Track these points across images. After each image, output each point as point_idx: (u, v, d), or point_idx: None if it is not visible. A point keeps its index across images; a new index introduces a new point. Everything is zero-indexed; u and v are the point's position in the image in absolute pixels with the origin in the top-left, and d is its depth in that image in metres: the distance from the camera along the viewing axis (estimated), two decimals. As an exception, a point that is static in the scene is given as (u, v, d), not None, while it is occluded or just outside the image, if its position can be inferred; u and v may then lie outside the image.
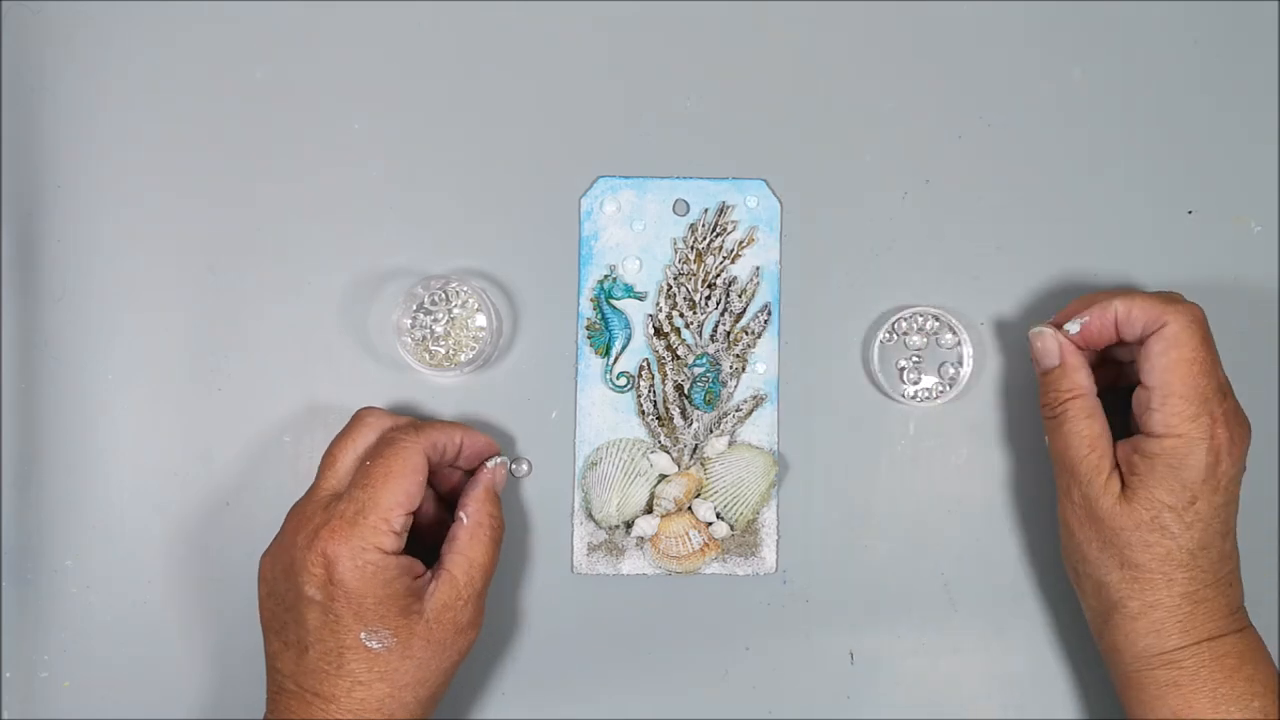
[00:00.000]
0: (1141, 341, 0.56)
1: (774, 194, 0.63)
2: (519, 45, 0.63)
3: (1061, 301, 0.62)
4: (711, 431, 0.63)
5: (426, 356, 0.62)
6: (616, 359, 0.63)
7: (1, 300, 0.62)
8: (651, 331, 0.63)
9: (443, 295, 0.61)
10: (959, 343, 0.62)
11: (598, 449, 0.63)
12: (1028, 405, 0.63)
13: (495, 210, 0.63)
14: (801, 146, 0.63)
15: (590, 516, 0.62)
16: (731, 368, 0.63)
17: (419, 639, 0.55)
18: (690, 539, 0.62)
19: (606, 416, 0.63)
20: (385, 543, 0.54)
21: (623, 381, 0.63)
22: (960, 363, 0.62)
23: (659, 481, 0.62)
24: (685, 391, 0.63)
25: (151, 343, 0.62)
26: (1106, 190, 0.64)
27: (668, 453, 0.62)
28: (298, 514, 0.56)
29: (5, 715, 0.62)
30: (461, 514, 0.58)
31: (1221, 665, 0.55)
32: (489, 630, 0.62)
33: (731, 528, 0.62)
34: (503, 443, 0.63)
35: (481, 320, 0.62)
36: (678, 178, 0.63)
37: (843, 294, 0.63)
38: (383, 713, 0.54)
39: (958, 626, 0.63)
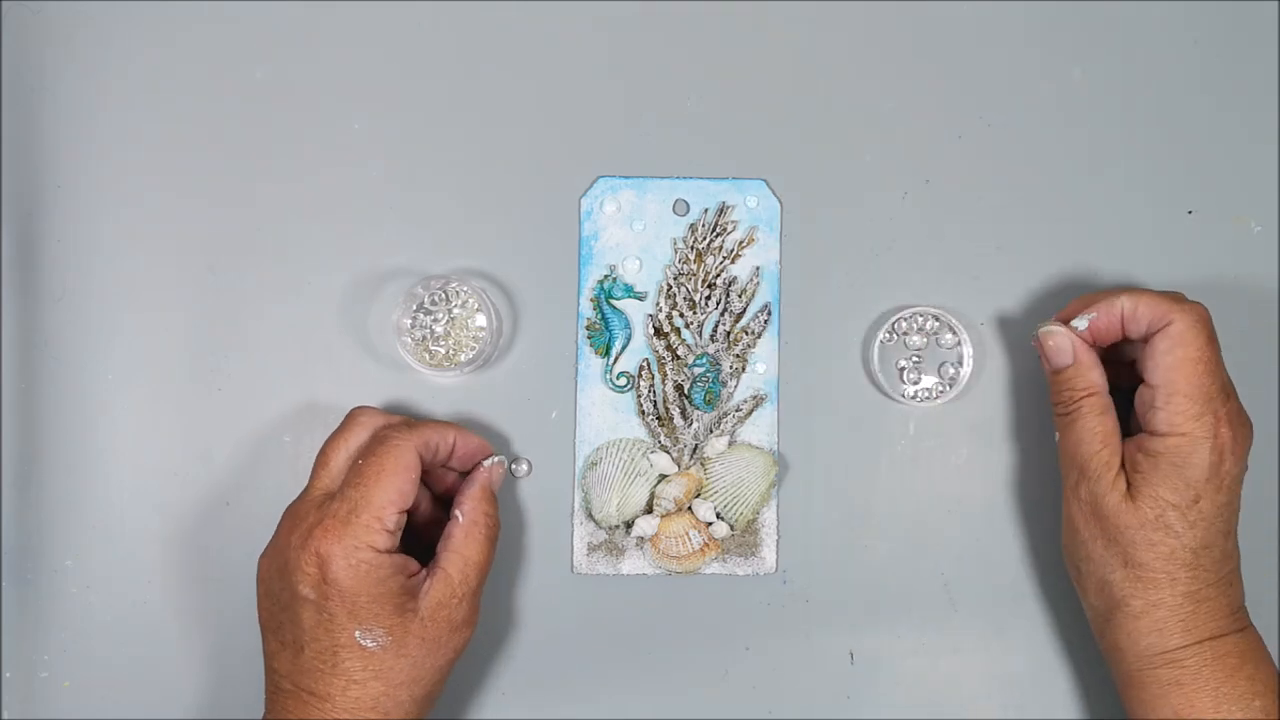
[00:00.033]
0: (1146, 339, 0.56)
1: (774, 194, 0.63)
2: (519, 45, 0.63)
3: (1061, 301, 0.62)
4: (711, 431, 0.63)
5: (426, 356, 0.62)
6: (616, 359, 0.63)
7: (1, 300, 0.62)
8: (651, 331, 0.63)
9: (443, 295, 0.61)
10: (959, 343, 0.62)
11: (598, 449, 0.62)
12: (1027, 405, 0.63)
13: (495, 210, 0.63)
14: (801, 146, 0.63)
15: (590, 516, 0.62)
16: (731, 368, 0.63)
17: (414, 637, 0.55)
18: (690, 539, 0.62)
19: (606, 416, 0.63)
20: (378, 541, 0.54)
21: (623, 381, 0.63)
22: (960, 363, 0.62)
23: (659, 481, 0.62)
24: (685, 391, 0.63)
25: (151, 343, 0.62)
26: (1106, 190, 0.64)
27: (668, 453, 0.62)
28: (292, 514, 0.56)
29: (5, 715, 0.62)
30: (457, 512, 0.58)
31: (1223, 664, 0.55)
32: (489, 630, 0.62)
33: (731, 528, 0.62)
34: (502, 443, 0.63)
35: (481, 320, 0.62)
36: (678, 178, 0.63)
37: (843, 294, 0.63)
38: (378, 711, 0.54)
39: (958, 626, 0.63)
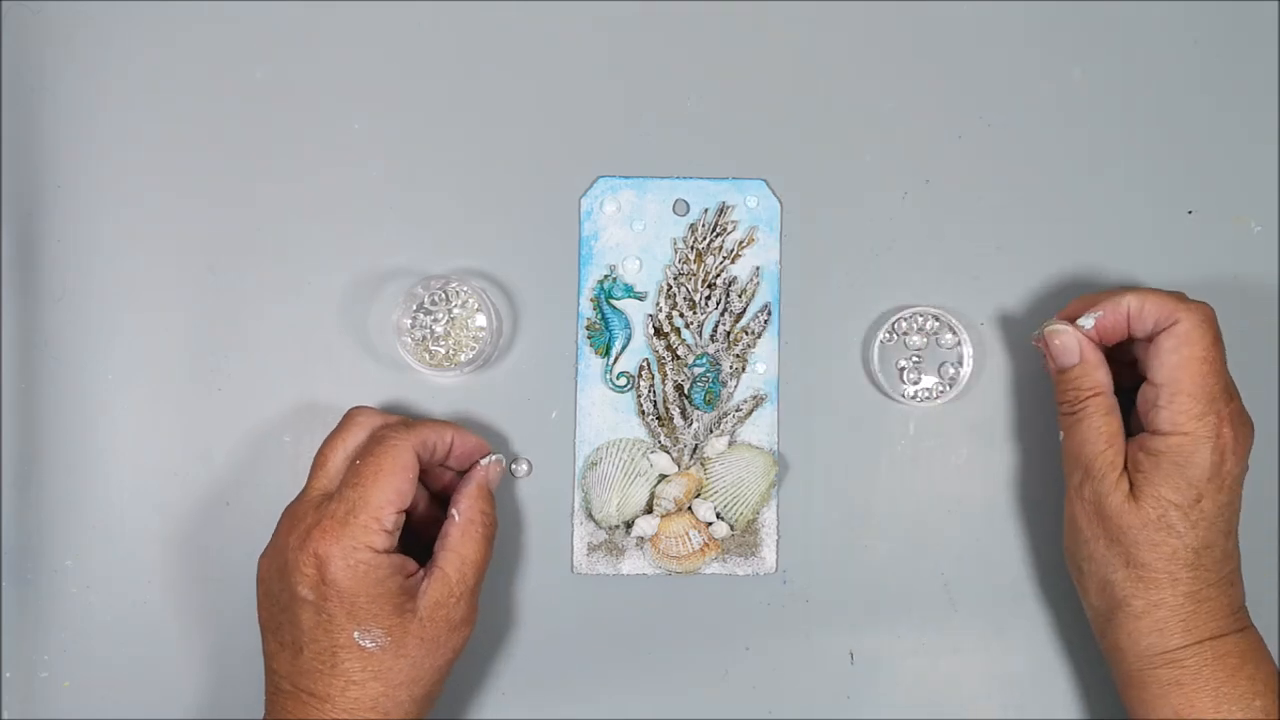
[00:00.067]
0: (1151, 338, 0.56)
1: (774, 194, 0.63)
2: (519, 45, 0.63)
3: (1061, 301, 0.62)
4: (711, 431, 0.63)
5: (426, 356, 0.62)
6: (616, 359, 0.63)
7: (1, 300, 0.62)
8: (651, 331, 0.63)
9: (443, 295, 0.61)
10: (959, 343, 0.62)
11: (598, 449, 0.62)
12: (1027, 405, 0.63)
13: (495, 210, 0.63)
14: (801, 146, 0.63)
15: (590, 516, 0.62)
16: (731, 368, 0.63)
17: (412, 637, 0.55)
18: (690, 539, 0.62)
19: (606, 416, 0.63)
20: (376, 541, 0.54)
21: (623, 381, 0.63)
22: (960, 363, 0.62)
23: (659, 481, 0.62)
24: (685, 391, 0.63)
25: (151, 343, 0.62)
26: (1106, 190, 0.64)
27: (668, 453, 0.62)
28: (290, 515, 0.56)
29: (5, 715, 0.62)
30: (454, 511, 0.57)
31: (1223, 664, 0.55)
32: (489, 630, 0.62)
33: (731, 528, 0.62)
34: (503, 443, 0.63)
35: (481, 320, 0.62)
36: (678, 178, 0.63)
37: (843, 294, 0.63)
38: (377, 712, 0.54)
39: (958, 626, 0.63)
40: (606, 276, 0.63)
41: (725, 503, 0.62)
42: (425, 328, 0.62)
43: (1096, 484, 0.56)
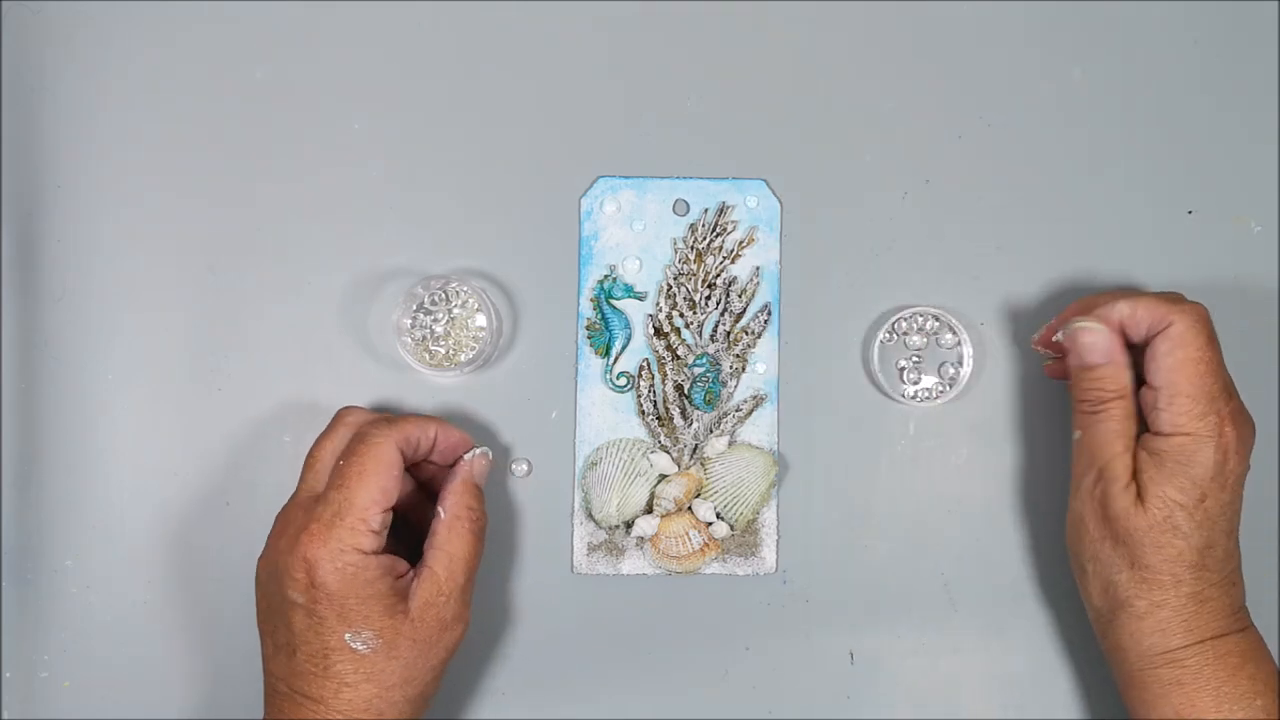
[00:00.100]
0: (1147, 342, 0.56)
1: (774, 194, 0.63)
2: (519, 45, 0.63)
3: (1062, 302, 0.62)
4: (711, 431, 0.63)
5: (426, 356, 0.62)
6: (616, 359, 0.63)
7: (1, 300, 0.62)
8: (651, 331, 0.63)
9: (443, 295, 0.61)
10: (959, 343, 0.62)
11: (598, 449, 0.62)
12: (1028, 405, 0.63)
13: (495, 210, 0.63)
14: (801, 146, 0.63)
15: (590, 516, 0.62)
16: (731, 368, 0.63)
17: (404, 638, 0.54)
18: (690, 539, 0.62)
19: (606, 416, 0.63)
20: (364, 543, 0.54)
21: (623, 381, 0.63)
22: (960, 363, 0.62)
23: (659, 481, 0.62)
24: (685, 391, 0.63)
25: (151, 343, 0.62)
26: (1106, 190, 0.64)
27: (668, 453, 0.62)
28: (282, 517, 0.56)
29: (5, 715, 0.62)
30: (440, 508, 0.57)
31: (1224, 664, 0.55)
32: (488, 630, 0.62)
33: (731, 528, 0.62)
34: (502, 443, 0.63)
35: (481, 320, 0.62)
36: (678, 178, 0.63)
37: (843, 294, 0.63)
38: (371, 712, 0.54)
39: (958, 626, 0.63)
40: (606, 276, 0.63)
41: (725, 503, 0.62)
42: (425, 328, 0.62)
43: (1108, 485, 0.56)
